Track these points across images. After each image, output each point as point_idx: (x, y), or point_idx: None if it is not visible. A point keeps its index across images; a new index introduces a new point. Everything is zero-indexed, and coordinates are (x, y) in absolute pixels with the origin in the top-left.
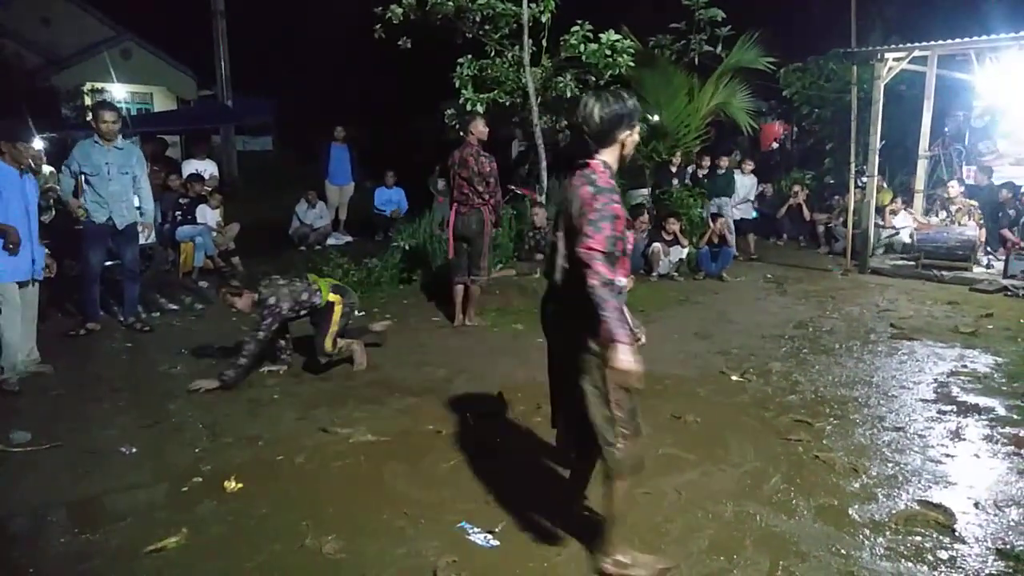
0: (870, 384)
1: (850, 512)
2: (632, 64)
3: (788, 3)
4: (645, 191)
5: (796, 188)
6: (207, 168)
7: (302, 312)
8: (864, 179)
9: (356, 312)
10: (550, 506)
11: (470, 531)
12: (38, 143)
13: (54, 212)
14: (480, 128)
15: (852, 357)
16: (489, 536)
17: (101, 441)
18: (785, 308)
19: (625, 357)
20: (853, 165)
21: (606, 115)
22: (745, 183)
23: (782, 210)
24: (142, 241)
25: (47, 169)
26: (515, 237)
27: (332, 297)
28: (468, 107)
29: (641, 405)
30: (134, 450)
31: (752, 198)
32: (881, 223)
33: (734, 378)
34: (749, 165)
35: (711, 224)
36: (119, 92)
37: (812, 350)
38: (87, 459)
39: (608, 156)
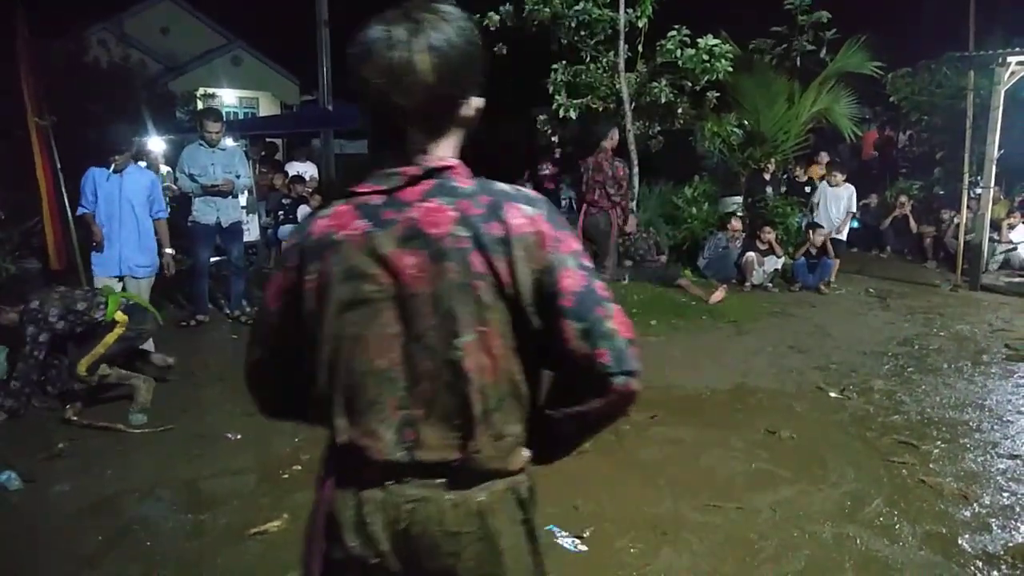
0: (982, 407)
1: (960, 542)
2: (730, 69)
3: (897, 6)
4: (738, 198)
5: (902, 199)
6: (308, 170)
7: (77, 327)
8: (978, 190)
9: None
10: (637, 515)
11: (558, 535)
12: (158, 144)
13: (169, 210)
14: (615, 137)
15: (962, 378)
16: (577, 541)
17: (209, 426)
18: (888, 324)
19: None
20: (966, 175)
21: (456, 56)
22: (839, 195)
23: (886, 221)
24: (247, 239)
25: (164, 169)
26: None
27: (118, 316)
28: (561, 113)
29: (733, 418)
30: (239, 436)
31: (853, 210)
32: (996, 237)
33: (833, 394)
34: (838, 176)
35: (809, 235)
36: (229, 97)
37: (918, 369)
38: (197, 442)
39: (455, 148)
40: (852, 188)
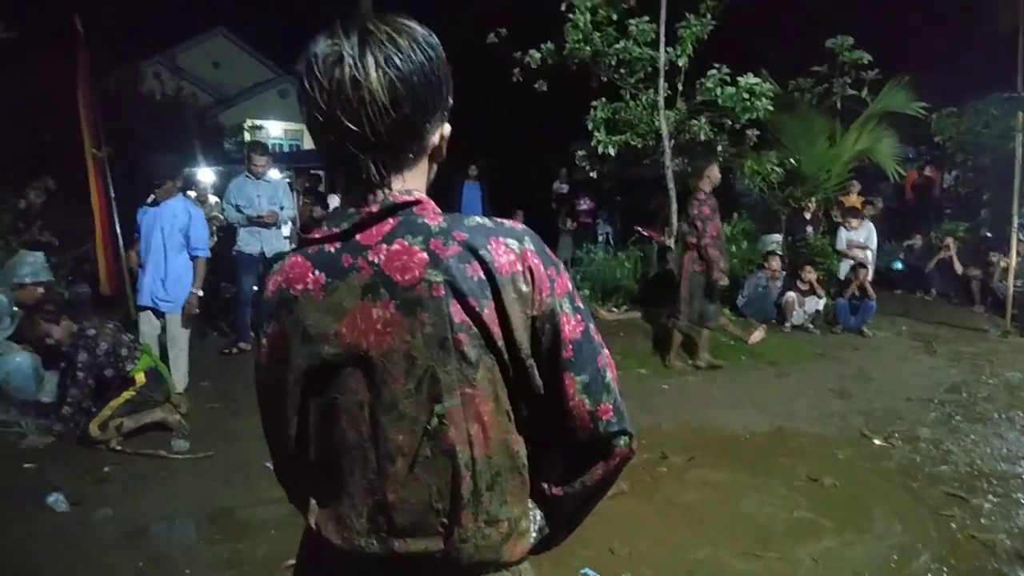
0: None
1: None
2: (771, 108)
3: (942, 46)
4: (778, 236)
5: (948, 240)
6: None
7: (107, 369)
8: None
9: (157, 411)
10: (675, 560)
11: None
12: (207, 175)
13: (215, 239)
14: (715, 174)
15: (1014, 428)
16: None
17: (249, 454)
18: (934, 369)
19: None
20: (1016, 217)
21: (415, 74)
22: (858, 237)
23: (931, 263)
24: None
25: (212, 199)
26: (640, 278)
27: (138, 376)
28: (600, 149)
29: (773, 463)
30: None
31: (873, 247)
32: None
33: (877, 442)
34: (853, 221)
35: (853, 275)
36: (275, 129)
37: (966, 417)
38: (236, 470)
39: (421, 182)
40: (871, 226)
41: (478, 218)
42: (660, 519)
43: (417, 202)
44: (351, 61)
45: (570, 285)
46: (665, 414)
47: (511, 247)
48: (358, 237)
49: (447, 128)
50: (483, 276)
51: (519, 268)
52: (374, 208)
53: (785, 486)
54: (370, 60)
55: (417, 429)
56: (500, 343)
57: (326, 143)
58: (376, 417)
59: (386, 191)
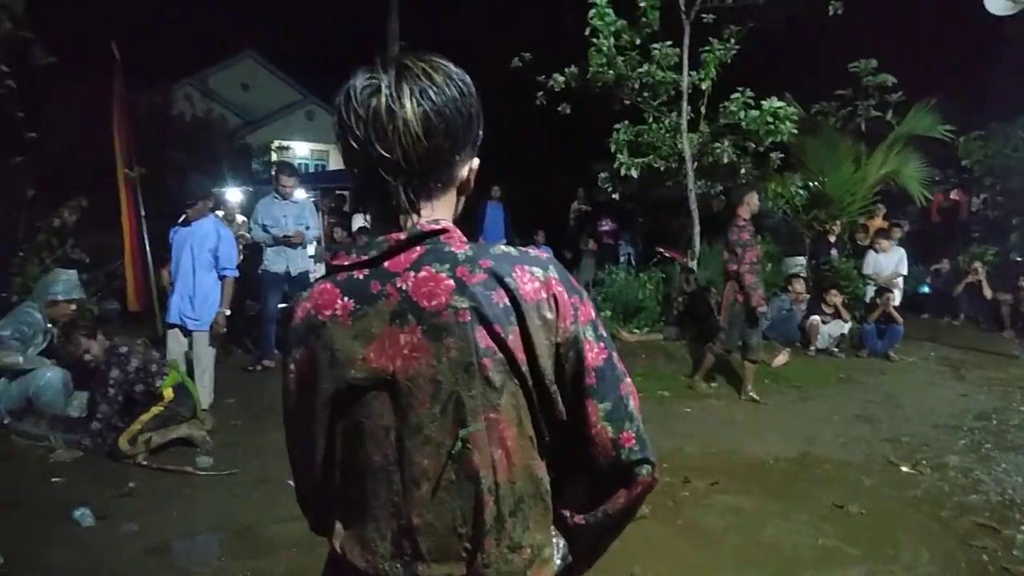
0: None
1: None
2: (795, 131)
3: (967, 70)
4: (801, 259)
5: (976, 264)
6: None
7: (137, 385)
8: None
9: (183, 427)
10: None
11: None
12: (235, 195)
13: (242, 257)
14: (755, 202)
15: None
16: None
17: (272, 471)
18: (963, 396)
19: None
20: None
21: (447, 108)
22: (889, 260)
23: (959, 287)
24: None
25: (240, 218)
26: (662, 300)
27: (166, 392)
28: (622, 171)
29: (798, 489)
30: None
31: (903, 272)
32: None
33: (904, 469)
34: (883, 243)
35: (878, 299)
36: (301, 149)
37: (997, 446)
38: (259, 487)
39: (448, 212)
40: (903, 251)
41: (503, 247)
42: (682, 544)
43: (444, 230)
44: (388, 92)
45: (593, 313)
46: (687, 437)
47: (536, 275)
48: (386, 264)
49: (476, 162)
50: (508, 303)
51: (544, 296)
52: (402, 236)
53: (810, 513)
54: (406, 91)
55: (442, 453)
56: (524, 369)
57: (360, 170)
58: (402, 441)
59: (414, 219)
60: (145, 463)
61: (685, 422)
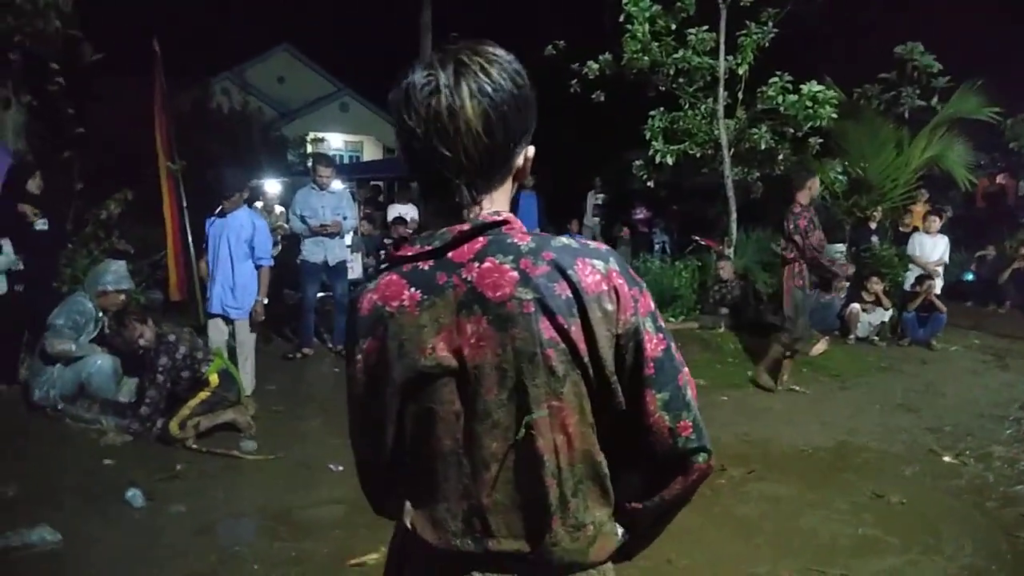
0: None
1: None
2: (835, 115)
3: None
4: (841, 246)
5: (1023, 250)
6: (409, 212)
7: (183, 371)
8: None
9: (229, 412)
10: (733, 574)
11: None
12: (273, 186)
13: (280, 247)
14: (816, 187)
15: None
16: None
17: (313, 456)
18: (1008, 385)
19: None
20: None
21: (505, 102)
22: (936, 244)
23: (1005, 274)
24: (351, 276)
25: (278, 209)
26: (698, 288)
27: (212, 378)
28: (658, 159)
29: (836, 478)
30: (341, 468)
31: (946, 260)
32: None
33: (947, 459)
34: (934, 223)
35: (919, 286)
36: (336, 140)
37: None
38: (301, 471)
39: (505, 201)
40: (947, 239)
41: (564, 239)
42: (719, 532)
43: (505, 222)
44: (447, 92)
45: (652, 305)
46: (724, 426)
47: (597, 267)
48: (450, 255)
49: (531, 150)
50: (570, 295)
51: (604, 288)
52: (465, 227)
53: (849, 502)
54: (464, 90)
55: (509, 437)
56: (586, 359)
57: (421, 168)
58: (471, 425)
59: (476, 210)
60: (195, 446)
61: (721, 411)
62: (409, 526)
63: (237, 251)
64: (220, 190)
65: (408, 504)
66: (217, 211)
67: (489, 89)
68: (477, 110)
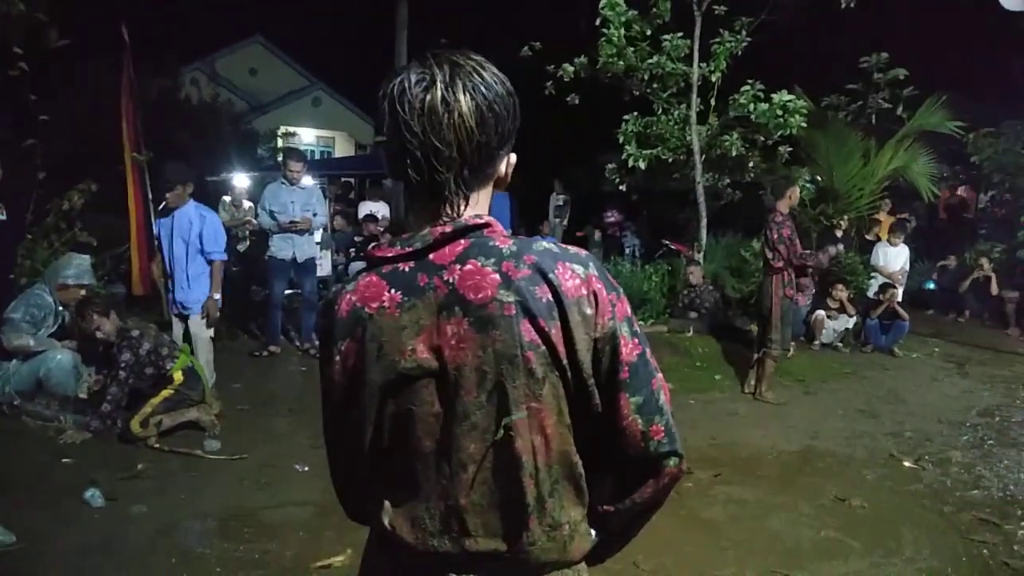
0: None
1: None
2: (804, 125)
3: (979, 67)
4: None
5: (983, 261)
6: (380, 210)
7: (147, 368)
8: None
9: (192, 410)
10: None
11: None
12: (242, 180)
13: (248, 243)
14: (796, 196)
15: None
16: None
17: (279, 456)
18: (966, 392)
19: None
20: None
21: (495, 102)
22: (898, 254)
23: (965, 284)
24: (320, 274)
25: (247, 204)
26: (667, 292)
27: (176, 375)
28: (630, 163)
29: (800, 482)
30: (306, 468)
31: (907, 270)
32: None
33: (907, 464)
34: (897, 236)
35: (881, 294)
36: (307, 135)
37: (999, 442)
38: (266, 472)
39: (485, 206)
40: (908, 249)
41: (545, 243)
42: (685, 535)
43: (487, 224)
44: (443, 86)
45: (629, 310)
46: (690, 429)
47: (577, 272)
48: (431, 257)
49: (513, 157)
50: (551, 298)
51: (584, 292)
52: (448, 229)
53: (812, 506)
54: (460, 86)
55: (487, 438)
56: (565, 362)
57: (409, 161)
58: (450, 427)
59: (457, 212)
60: (156, 445)
61: (688, 413)
62: (387, 526)
63: (188, 248)
64: (164, 185)
65: (387, 503)
66: (160, 207)
67: (483, 87)
68: (471, 105)
